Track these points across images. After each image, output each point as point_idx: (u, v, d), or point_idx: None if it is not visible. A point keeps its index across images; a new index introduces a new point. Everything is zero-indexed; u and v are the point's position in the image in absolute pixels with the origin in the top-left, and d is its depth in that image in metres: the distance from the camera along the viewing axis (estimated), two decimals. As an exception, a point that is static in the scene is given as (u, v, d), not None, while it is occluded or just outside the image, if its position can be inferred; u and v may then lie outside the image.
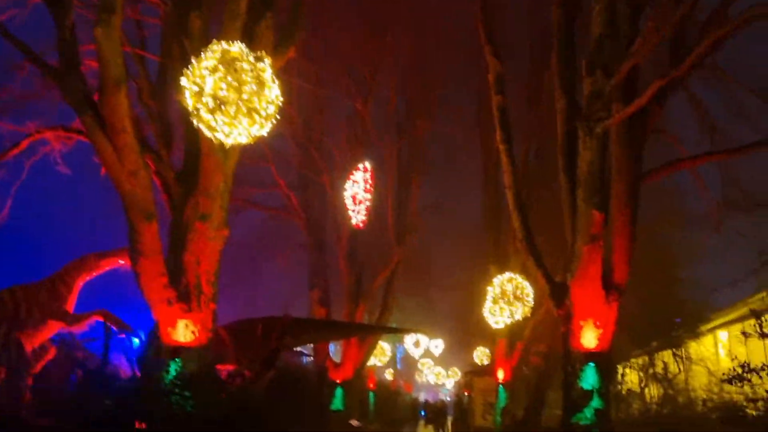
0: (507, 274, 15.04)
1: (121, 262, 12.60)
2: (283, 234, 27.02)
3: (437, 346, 37.40)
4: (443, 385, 55.32)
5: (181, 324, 9.34)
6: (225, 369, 12.24)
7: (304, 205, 24.53)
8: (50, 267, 12.34)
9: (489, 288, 14.97)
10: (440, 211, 26.98)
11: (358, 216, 12.67)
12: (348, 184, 12.38)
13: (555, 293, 12.03)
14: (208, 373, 9.60)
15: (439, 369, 45.77)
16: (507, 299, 14.40)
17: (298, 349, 28.25)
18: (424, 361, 44.38)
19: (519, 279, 14.82)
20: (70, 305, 11.89)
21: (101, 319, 11.84)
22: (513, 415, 20.83)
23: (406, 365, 50.18)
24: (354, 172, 12.31)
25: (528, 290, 14.73)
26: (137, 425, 8.32)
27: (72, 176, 13.69)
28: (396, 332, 28.00)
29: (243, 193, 23.72)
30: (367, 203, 12.68)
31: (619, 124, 11.25)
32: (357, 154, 22.13)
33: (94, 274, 12.32)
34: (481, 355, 32.23)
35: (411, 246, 24.47)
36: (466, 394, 39.72)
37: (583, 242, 11.19)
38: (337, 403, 21.48)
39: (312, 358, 24.73)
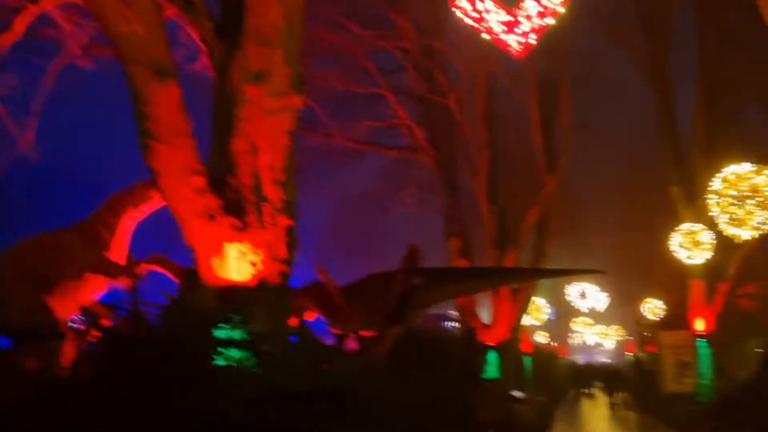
0: (745, 165, 9.96)
1: (181, 190, 8.83)
2: (411, 180, 23.39)
3: (599, 300, 32.21)
4: (600, 345, 49.76)
5: (233, 251, 5.51)
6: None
7: (430, 139, 20.71)
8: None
9: (713, 195, 9.96)
10: (587, 131, 22.31)
11: (528, 38, 8.11)
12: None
13: None
14: (291, 330, 5.76)
15: (601, 327, 40.26)
16: (757, 202, 9.28)
17: (438, 312, 24.35)
18: (579, 319, 39.29)
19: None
20: (116, 253, 8.47)
21: (158, 270, 8.41)
22: (730, 377, 15.65)
23: (556, 325, 45.11)
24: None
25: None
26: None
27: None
28: (562, 275, 22.04)
29: (359, 131, 20.30)
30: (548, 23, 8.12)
31: None
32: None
33: (146, 209, 8.78)
34: (653, 308, 27.37)
35: (564, 171, 19.80)
36: (638, 354, 34.30)
37: None
38: (492, 370, 17.36)
39: (455, 322, 20.77)
